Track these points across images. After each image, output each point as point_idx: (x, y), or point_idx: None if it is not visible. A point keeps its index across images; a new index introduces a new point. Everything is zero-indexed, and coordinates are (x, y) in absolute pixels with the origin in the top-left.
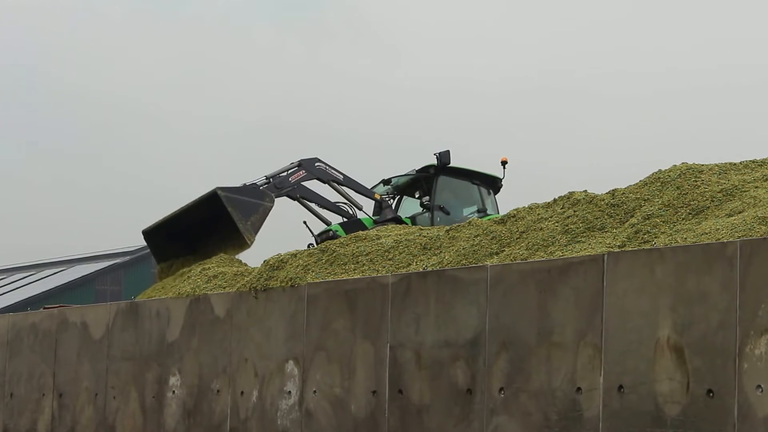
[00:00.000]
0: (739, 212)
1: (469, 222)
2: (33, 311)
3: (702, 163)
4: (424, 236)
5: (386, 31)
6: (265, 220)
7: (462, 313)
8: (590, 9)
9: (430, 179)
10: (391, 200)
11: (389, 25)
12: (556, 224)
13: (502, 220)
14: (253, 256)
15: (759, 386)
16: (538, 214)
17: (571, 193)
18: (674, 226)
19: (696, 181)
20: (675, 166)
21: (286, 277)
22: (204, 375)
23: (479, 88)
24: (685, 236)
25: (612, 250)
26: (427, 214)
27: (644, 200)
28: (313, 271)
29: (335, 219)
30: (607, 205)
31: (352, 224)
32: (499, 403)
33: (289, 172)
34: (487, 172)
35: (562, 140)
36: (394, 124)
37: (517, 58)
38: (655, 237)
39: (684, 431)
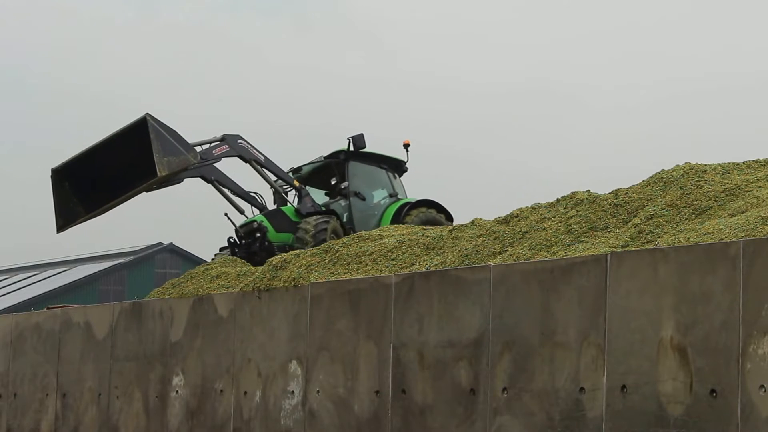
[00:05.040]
0: (742, 212)
1: (472, 222)
2: (36, 311)
3: (705, 163)
4: (427, 236)
5: (376, 28)
6: (178, 171)
7: (465, 313)
8: (590, 12)
9: (341, 165)
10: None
11: (381, 22)
12: (559, 224)
13: (505, 220)
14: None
15: (762, 386)
16: (541, 214)
17: (574, 193)
18: (677, 226)
19: (699, 181)
20: (678, 166)
21: (289, 277)
22: (207, 375)
23: (478, 89)
24: (688, 236)
25: (615, 250)
26: (342, 202)
27: (647, 200)
28: (316, 271)
29: (249, 207)
30: (610, 205)
31: (275, 214)
32: (503, 403)
33: (212, 145)
34: (391, 155)
35: (562, 142)
36: (391, 123)
37: (516, 60)
38: (658, 237)
39: (687, 431)
